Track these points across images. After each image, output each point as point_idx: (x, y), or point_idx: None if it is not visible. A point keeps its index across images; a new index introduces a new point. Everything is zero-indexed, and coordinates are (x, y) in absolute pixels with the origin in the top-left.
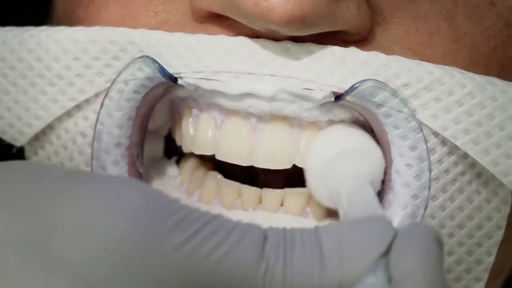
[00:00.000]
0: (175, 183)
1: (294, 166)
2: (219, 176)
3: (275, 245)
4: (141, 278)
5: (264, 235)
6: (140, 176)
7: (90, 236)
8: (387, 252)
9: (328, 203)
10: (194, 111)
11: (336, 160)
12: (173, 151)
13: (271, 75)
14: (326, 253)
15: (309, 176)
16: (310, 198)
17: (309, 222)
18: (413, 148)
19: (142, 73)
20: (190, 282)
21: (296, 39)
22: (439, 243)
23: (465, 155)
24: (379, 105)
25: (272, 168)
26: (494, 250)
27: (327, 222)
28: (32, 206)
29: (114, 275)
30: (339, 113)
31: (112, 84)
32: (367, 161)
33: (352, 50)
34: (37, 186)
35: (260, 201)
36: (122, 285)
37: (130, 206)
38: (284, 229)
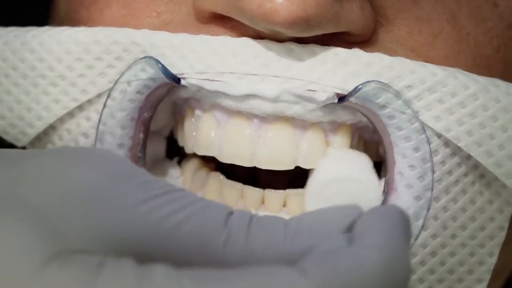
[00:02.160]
0: (177, 183)
1: (297, 167)
2: (222, 176)
3: (239, 218)
4: (99, 226)
5: (230, 211)
6: None
7: (56, 182)
8: (349, 229)
9: None
10: (197, 111)
11: (333, 185)
12: (175, 152)
13: (275, 76)
14: (290, 228)
15: (307, 194)
16: None
17: None
18: (416, 149)
19: (145, 73)
20: (146, 241)
21: (299, 40)
22: (405, 221)
23: (468, 157)
24: (382, 107)
25: (275, 169)
26: (496, 251)
27: None
28: (2, 160)
29: (75, 217)
30: (342, 114)
31: (114, 84)
32: (362, 194)
33: (356, 52)
34: (6, 152)
35: (263, 202)
36: (80, 228)
37: (98, 163)
38: (253, 213)
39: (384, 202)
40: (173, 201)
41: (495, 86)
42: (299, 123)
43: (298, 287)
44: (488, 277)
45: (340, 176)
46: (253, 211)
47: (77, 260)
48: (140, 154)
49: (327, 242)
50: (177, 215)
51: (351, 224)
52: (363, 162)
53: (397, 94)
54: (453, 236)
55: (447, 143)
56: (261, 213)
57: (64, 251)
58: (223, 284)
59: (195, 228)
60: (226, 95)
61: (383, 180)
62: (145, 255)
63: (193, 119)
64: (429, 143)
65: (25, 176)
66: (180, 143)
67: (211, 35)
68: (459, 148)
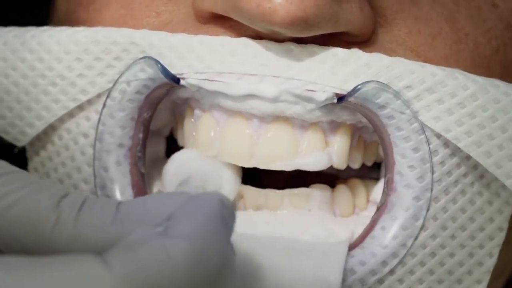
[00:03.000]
0: None
1: None
2: None
3: (72, 202)
4: None
5: (64, 194)
6: (142, 176)
7: None
8: (168, 218)
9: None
10: (196, 111)
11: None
12: (175, 152)
13: (274, 77)
14: (120, 212)
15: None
16: (312, 199)
17: (312, 220)
18: (415, 149)
19: (145, 73)
20: None
21: (298, 41)
22: (226, 208)
23: (468, 157)
24: (382, 107)
25: (274, 169)
26: (496, 252)
27: (329, 221)
28: None
29: None
30: (342, 114)
31: (114, 84)
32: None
33: (355, 52)
34: None
35: (262, 201)
36: None
37: None
38: (88, 195)
39: (384, 202)
40: (7, 183)
41: (494, 86)
42: (298, 123)
43: (98, 279)
44: (487, 278)
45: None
46: (253, 211)
47: None
48: (139, 154)
49: (142, 229)
50: (9, 196)
51: (174, 211)
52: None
53: (397, 94)
54: (453, 237)
55: (446, 143)
56: (262, 212)
57: None
58: (21, 271)
59: (25, 211)
60: (225, 95)
61: (382, 180)
62: None
63: (192, 119)
64: (428, 143)
65: None
66: (180, 143)
67: (210, 35)
68: (459, 148)
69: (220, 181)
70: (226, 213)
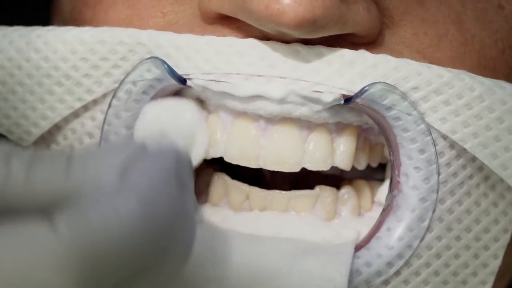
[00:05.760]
0: None
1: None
2: (227, 177)
3: (21, 157)
4: None
5: (13, 150)
6: None
7: None
8: (128, 165)
9: None
10: (203, 112)
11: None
12: None
13: (281, 78)
14: (72, 163)
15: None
16: (317, 200)
17: (317, 221)
18: (421, 151)
19: (151, 74)
20: None
21: (306, 42)
22: (181, 162)
23: (473, 158)
24: (388, 108)
25: (280, 170)
26: (501, 253)
27: (335, 222)
28: None
29: None
30: (348, 116)
31: (120, 84)
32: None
33: (362, 53)
34: None
35: (268, 202)
36: None
37: None
38: (37, 150)
39: (389, 203)
40: None
41: (501, 88)
42: (305, 124)
43: (43, 246)
44: (492, 279)
45: (163, 128)
46: (259, 212)
47: None
48: None
49: (94, 183)
50: None
51: (130, 161)
52: (187, 112)
53: (403, 96)
54: (458, 238)
55: (452, 145)
56: (268, 213)
57: None
58: None
59: None
60: (232, 96)
61: (387, 181)
62: None
63: None
64: (434, 145)
65: None
66: None
67: (217, 36)
68: (465, 150)
69: (192, 135)
70: (182, 170)
